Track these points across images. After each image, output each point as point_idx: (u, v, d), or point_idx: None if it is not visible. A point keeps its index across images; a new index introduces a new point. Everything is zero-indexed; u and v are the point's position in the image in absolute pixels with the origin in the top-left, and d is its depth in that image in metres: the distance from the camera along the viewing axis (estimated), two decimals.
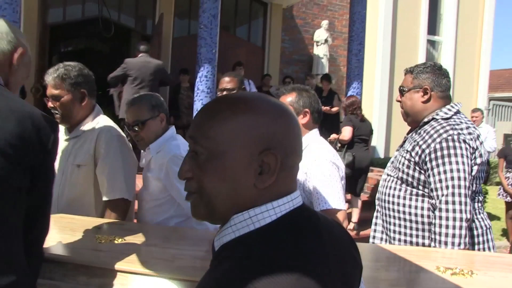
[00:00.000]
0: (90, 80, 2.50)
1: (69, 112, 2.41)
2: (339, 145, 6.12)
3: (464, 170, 1.98)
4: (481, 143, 2.05)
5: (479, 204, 2.12)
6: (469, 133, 2.04)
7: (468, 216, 1.96)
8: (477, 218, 2.09)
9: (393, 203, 2.16)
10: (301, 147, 0.93)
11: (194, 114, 6.11)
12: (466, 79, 12.15)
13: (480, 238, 2.07)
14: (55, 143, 1.40)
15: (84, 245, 1.80)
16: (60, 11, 9.03)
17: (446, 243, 1.97)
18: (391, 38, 10.95)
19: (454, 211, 1.97)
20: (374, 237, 2.31)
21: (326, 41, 10.47)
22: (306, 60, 10.84)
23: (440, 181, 2.01)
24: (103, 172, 2.42)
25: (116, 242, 1.83)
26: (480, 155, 2.04)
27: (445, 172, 2.00)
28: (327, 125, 7.61)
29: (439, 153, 2.02)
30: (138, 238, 1.94)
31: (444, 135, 2.04)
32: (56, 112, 2.40)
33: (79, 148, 2.45)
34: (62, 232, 1.92)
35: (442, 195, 1.99)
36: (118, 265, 1.57)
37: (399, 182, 2.17)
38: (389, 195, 2.19)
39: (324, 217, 0.96)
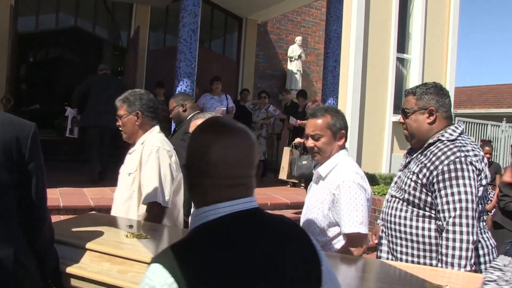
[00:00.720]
0: (146, 103, 2.85)
1: (128, 129, 2.84)
2: (300, 149, 6.35)
3: (472, 193, 2.00)
4: (485, 164, 2.07)
5: (483, 223, 2.16)
6: (475, 155, 2.06)
7: (475, 238, 1.99)
8: (483, 238, 2.13)
9: (399, 224, 2.19)
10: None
11: (172, 128, 6.09)
12: None
13: (486, 258, 2.10)
14: (33, 141, 1.55)
15: (112, 238, 2.08)
16: (32, 20, 8.89)
17: (452, 265, 1.99)
18: (362, 56, 11.19)
19: (461, 233, 1.99)
20: (380, 257, 2.33)
21: (299, 56, 10.62)
22: (280, 75, 10.96)
23: (448, 203, 2.03)
24: (142, 178, 2.73)
25: (140, 238, 2.06)
26: (486, 177, 2.06)
27: (452, 194, 2.02)
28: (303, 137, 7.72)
29: (446, 175, 2.04)
30: (161, 237, 2.30)
31: (452, 157, 2.05)
32: (121, 130, 2.87)
33: (131, 160, 2.85)
34: (98, 227, 2.20)
35: (450, 217, 2.01)
36: (136, 256, 1.82)
37: (404, 203, 2.19)
38: (394, 216, 2.21)
39: (273, 222, 1.10)
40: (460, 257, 1.98)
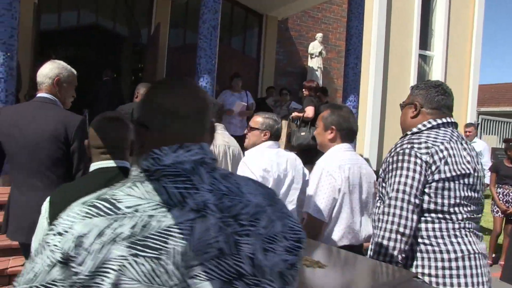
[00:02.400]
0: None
1: None
2: (298, 123, 6.72)
3: (407, 184, 1.95)
4: (440, 159, 1.96)
5: (459, 225, 1.99)
6: (426, 147, 1.98)
7: (402, 230, 1.93)
8: (451, 241, 1.96)
9: (375, 220, 2.14)
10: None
11: None
12: (456, 94, 12.15)
13: (453, 264, 1.93)
14: (77, 131, 2.61)
15: None
16: (54, 17, 8.97)
17: (379, 254, 1.97)
18: (384, 53, 11.07)
19: (387, 222, 1.97)
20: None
21: (320, 53, 10.53)
22: (300, 72, 10.88)
23: (387, 193, 2.02)
24: None
25: None
26: (439, 171, 1.96)
27: (390, 184, 2.01)
28: None
29: (390, 167, 2.04)
30: None
31: (398, 149, 2.04)
32: None
33: None
34: None
35: (384, 207, 2.01)
36: None
37: (377, 198, 2.19)
38: (374, 214, 2.18)
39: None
40: (387, 248, 1.95)
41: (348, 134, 2.60)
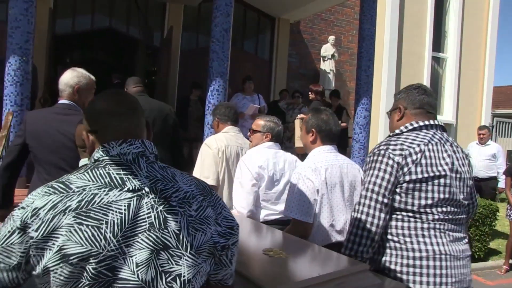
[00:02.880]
0: (221, 112, 3.79)
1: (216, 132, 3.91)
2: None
3: (375, 183, 2.04)
4: (413, 161, 2.02)
5: (429, 225, 2.04)
6: (401, 149, 2.04)
7: (368, 226, 2.02)
8: (418, 240, 2.02)
9: None
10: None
11: (204, 127, 6.12)
12: (470, 96, 12.23)
13: (417, 262, 2.00)
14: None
15: None
16: (69, 21, 9.07)
17: (346, 248, 2.10)
18: (396, 55, 11.04)
19: (355, 219, 2.07)
20: None
21: (332, 56, 10.52)
22: (313, 75, 10.88)
23: (361, 191, 2.15)
24: None
25: None
26: (410, 172, 2.01)
27: (364, 183, 2.12)
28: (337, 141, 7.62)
29: (366, 166, 2.15)
30: None
31: (375, 150, 2.12)
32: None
33: None
34: None
35: (355, 204, 2.14)
36: None
37: None
38: None
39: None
40: (353, 243, 2.07)
41: (328, 135, 2.72)
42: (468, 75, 12.18)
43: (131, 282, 1.13)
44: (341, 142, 7.69)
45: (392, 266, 2.04)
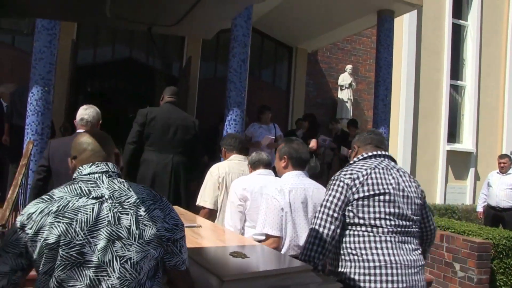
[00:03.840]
0: (227, 142, 4.29)
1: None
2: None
3: (328, 200, 2.49)
4: (360, 182, 2.46)
5: (380, 238, 2.40)
6: (351, 174, 2.50)
7: (320, 236, 2.43)
8: (372, 252, 2.37)
9: None
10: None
11: None
12: (490, 124, 12.10)
13: (372, 271, 2.34)
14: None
15: None
16: (90, 52, 9.29)
17: (301, 254, 2.49)
18: (414, 83, 11.01)
19: (311, 230, 2.50)
20: None
21: (350, 85, 10.55)
22: (330, 104, 10.91)
23: None
24: None
25: None
26: (358, 191, 2.44)
27: (321, 203, 2.55)
28: None
29: (326, 189, 2.60)
30: None
31: (334, 176, 2.59)
32: None
33: None
34: None
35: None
36: None
37: None
38: None
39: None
40: (307, 250, 2.45)
41: (298, 161, 3.11)
42: (487, 103, 12.07)
43: (93, 262, 1.60)
44: None
45: (352, 276, 2.37)
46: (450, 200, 11.19)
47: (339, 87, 10.71)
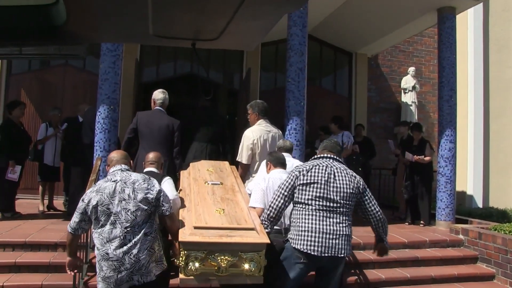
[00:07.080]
0: (257, 110, 5.40)
1: None
2: None
3: (283, 183, 3.63)
4: (303, 174, 3.56)
5: (311, 211, 3.48)
6: (300, 168, 3.63)
7: (272, 205, 3.62)
8: (303, 221, 3.49)
9: None
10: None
11: None
12: None
13: (301, 233, 3.47)
14: (178, 127, 5.42)
15: None
16: (153, 69, 9.60)
17: (261, 216, 3.70)
18: (483, 81, 10.48)
19: (270, 201, 3.71)
20: None
21: (413, 88, 10.26)
22: (394, 108, 10.65)
23: None
24: None
25: None
26: (300, 180, 3.53)
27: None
28: (421, 176, 7.29)
29: None
30: None
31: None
32: None
33: None
34: None
35: None
36: None
37: None
38: None
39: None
40: (264, 213, 3.70)
41: (277, 163, 4.31)
42: None
43: (113, 212, 3.05)
44: (425, 176, 7.35)
45: (292, 236, 3.54)
46: None
47: (402, 91, 10.45)
